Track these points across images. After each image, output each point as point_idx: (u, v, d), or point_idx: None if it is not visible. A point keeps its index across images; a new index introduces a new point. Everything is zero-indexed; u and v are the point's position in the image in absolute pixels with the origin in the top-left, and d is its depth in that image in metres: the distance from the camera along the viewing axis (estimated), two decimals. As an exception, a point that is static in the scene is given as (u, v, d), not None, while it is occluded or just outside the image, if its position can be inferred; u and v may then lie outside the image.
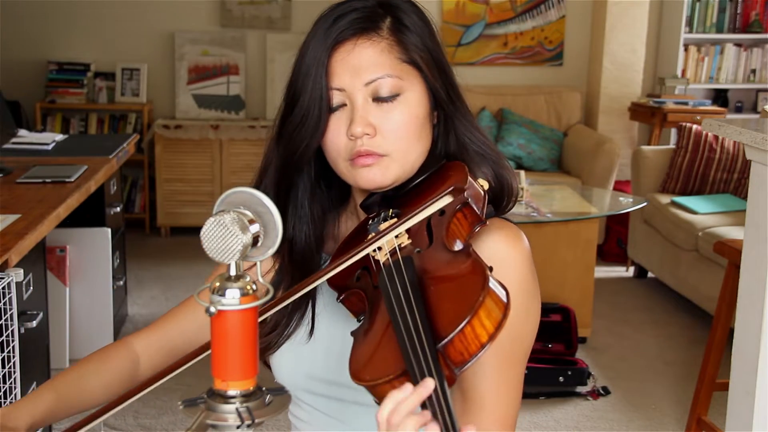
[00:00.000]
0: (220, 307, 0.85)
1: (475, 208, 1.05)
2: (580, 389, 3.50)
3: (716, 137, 4.68)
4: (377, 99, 1.11)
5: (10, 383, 2.15)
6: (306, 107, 1.11)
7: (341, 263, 1.00)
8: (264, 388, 0.89)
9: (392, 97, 1.11)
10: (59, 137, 3.88)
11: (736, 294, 2.47)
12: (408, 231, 1.05)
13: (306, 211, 1.19)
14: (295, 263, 1.19)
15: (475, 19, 5.80)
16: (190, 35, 5.74)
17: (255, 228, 0.87)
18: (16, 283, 2.16)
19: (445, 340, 0.88)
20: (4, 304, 2.09)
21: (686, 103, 5.35)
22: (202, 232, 0.86)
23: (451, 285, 0.96)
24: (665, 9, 5.83)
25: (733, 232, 3.93)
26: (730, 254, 2.71)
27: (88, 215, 3.51)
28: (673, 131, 5.52)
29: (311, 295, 1.19)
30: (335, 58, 1.10)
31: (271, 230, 0.88)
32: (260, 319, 0.99)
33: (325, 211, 1.23)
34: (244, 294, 0.86)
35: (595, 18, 5.79)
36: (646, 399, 3.49)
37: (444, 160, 1.16)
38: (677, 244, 4.39)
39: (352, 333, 1.01)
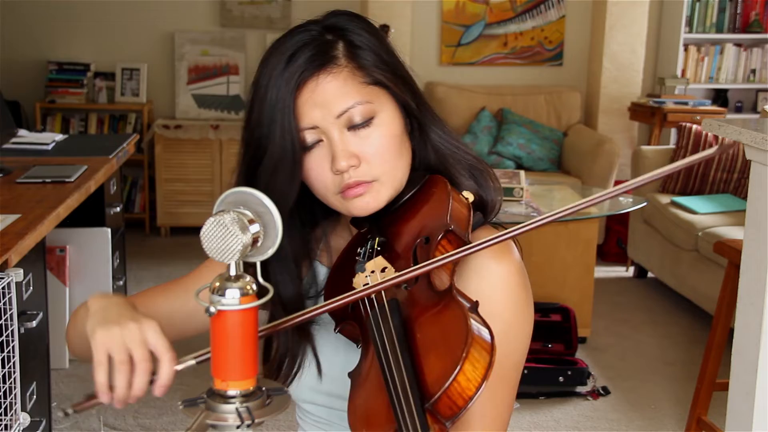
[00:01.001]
0: (220, 307, 0.85)
1: (459, 235, 1.04)
2: (580, 389, 3.50)
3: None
4: (352, 127, 1.09)
5: (10, 383, 2.15)
6: (278, 154, 1.09)
7: (325, 307, 1.01)
8: (264, 388, 0.89)
9: (367, 122, 1.10)
10: (59, 137, 3.88)
11: (736, 294, 2.47)
12: (395, 264, 1.05)
13: (291, 265, 1.16)
14: (283, 272, 1.16)
15: (475, 19, 5.80)
16: (190, 35, 5.74)
17: (255, 228, 0.87)
18: (16, 283, 2.16)
19: (434, 398, 0.90)
20: (4, 304, 2.09)
21: (686, 103, 5.35)
22: (202, 232, 0.86)
23: (435, 334, 0.96)
24: (665, 9, 5.83)
25: (733, 232, 3.93)
26: (730, 254, 2.70)
27: (88, 215, 3.51)
28: (673, 131, 5.53)
29: (308, 337, 1.18)
30: (300, 99, 1.08)
31: (271, 230, 0.88)
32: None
33: (314, 226, 1.22)
34: (244, 294, 0.86)
35: (595, 18, 5.79)
36: (646, 399, 3.49)
37: (426, 175, 1.16)
38: (677, 244, 4.39)
39: (349, 374, 1.03)
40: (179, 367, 0.94)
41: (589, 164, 5.18)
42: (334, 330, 1.09)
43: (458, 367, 0.89)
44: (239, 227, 0.85)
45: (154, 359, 0.94)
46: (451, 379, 0.89)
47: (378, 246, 1.10)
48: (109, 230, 3.63)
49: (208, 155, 5.57)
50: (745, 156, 2.43)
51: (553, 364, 3.52)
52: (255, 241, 0.87)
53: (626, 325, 4.27)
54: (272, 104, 1.09)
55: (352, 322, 1.06)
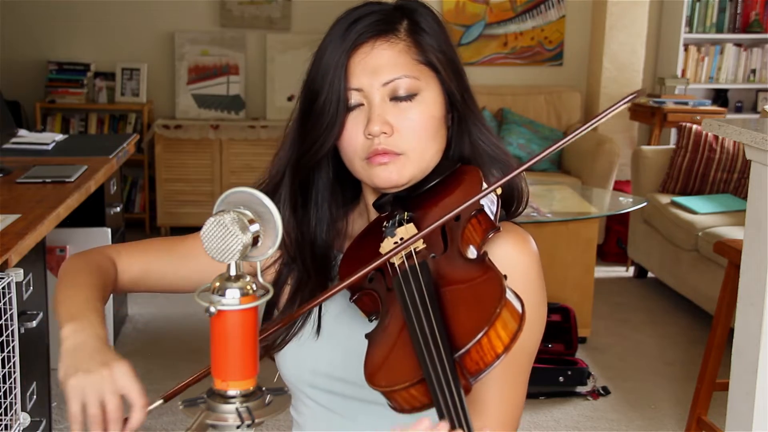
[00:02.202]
0: (220, 307, 0.85)
1: (490, 214, 1.06)
2: (580, 389, 3.50)
3: (716, 137, 4.68)
4: (395, 98, 1.12)
5: (10, 383, 2.15)
6: (323, 106, 1.12)
7: (359, 273, 1.00)
8: (264, 388, 0.89)
9: (409, 97, 1.13)
10: (59, 137, 3.88)
11: (736, 294, 2.47)
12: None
13: (325, 211, 1.21)
14: (315, 261, 1.20)
15: (475, 19, 5.80)
16: (190, 35, 5.74)
17: (255, 228, 0.87)
18: (16, 283, 2.16)
19: (462, 350, 0.89)
20: (4, 304, 2.09)
21: (686, 103, 5.35)
22: (202, 232, 0.86)
23: (467, 293, 0.96)
24: (665, 9, 5.83)
25: (733, 232, 3.93)
26: (730, 254, 2.70)
27: (88, 215, 3.51)
28: (673, 131, 5.52)
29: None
30: (354, 59, 1.12)
31: (271, 230, 0.88)
32: (272, 327, 0.99)
33: (340, 208, 1.24)
34: (244, 294, 0.86)
35: (595, 18, 5.79)
36: (646, 399, 3.49)
37: (459, 164, 1.17)
38: (677, 244, 4.39)
39: (367, 335, 1.01)
40: (149, 408, 0.97)
41: (589, 164, 5.18)
42: (350, 299, 1.08)
43: (490, 323, 0.88)
44: (239, 227, 0.85)
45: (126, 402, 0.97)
46: (482, 332, 0.88)
47: (407, 220, 1.10)
48: (109, 230, 3.63)
49: (208, 155, 5.57)
50: (745, 156, 2.43)
51: (553, 364, 3.52)
52: (255, 241, 0.87)
53: (626, 325, 4.27)
54: (328, 61, 1.12)
55: (369, 291, 1.06)
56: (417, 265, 1.00)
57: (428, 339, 0.90)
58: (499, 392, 1.08)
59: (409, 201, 1.15)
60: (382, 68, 1.11)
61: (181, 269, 1.25)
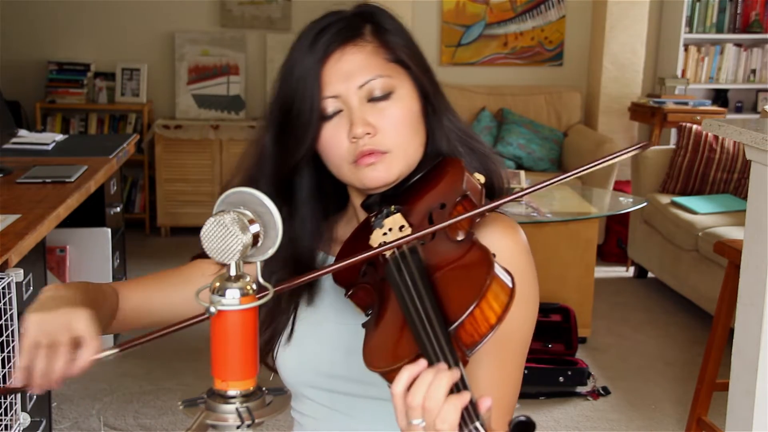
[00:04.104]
0: (220, 307, 0.85)
1: (474, 201, 1.07)
2: (580, 389, 3.50)
3: (716, 137, 4.68)
4: (372, 99, 1.14)
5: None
6: (297, 115, 1.14)
7: (347, 262, 1.01)
8: (264, 388, 0.89)
9: (386, 96, 1.15)
10: (59, 137, 3.88)
11: (736, 294, 2.47)
12: (411, 224, 1.08)
13: (308, 213, 1.22)
14: (300, 265, 1.20)
15: (475, 19, 5.80)
16: (190, 35, 5.74)
17: (255, 228, 0.87)
18: (16, 283, 2.16)
19: (456, 323, 0.90)
20: (4, 304, 2.09)
21: (686, 103, 5.35)
22: (202, 232, 0.86)
23: (457, 271, 0.98)
24: (665, 9, 5.83)
25: (733, 232, 3.93)
26: (730, 254, 2.70)
27: (88, 215, 3.51)
28: (673, 131, 5.52)
29: (294, 298, 1.22)
30: (326, 69, 1.14)
31: (271, 230, 0.88)
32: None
33: (326, 215, 1.25)
34: (244, 294, 0.86)
35: (595, 18, 5.79)
36: (646, 399, 3.49)
37: (440, 157, 1.19)
38: (677, 244, 4.39)
39: (364, 324, 1.03)
40: (101, 355, 0.98)
41: (589, 164, 5.17)
42: (345, 295, 1.09)
43: (481, 294, 0.90)
44: (239, 227, 0.85)
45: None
46: (474, 304, 0.90)
47: (394, 211, 1.12)
48: (109, 230, 3.63)
49: (208, 155, 5.57)
50: (745, 156, 2.43)
51: (553, 364, 3.52)
52: (255, 241, 0.87)
53: (626, 325, 4.27)
54: (299, 74, 1.14)
55: (363, 285, 1.07)
56: (407, 250, 1.01)
57: (422, 316, 0.91)
58: (490, 374, 1.08)
59: (395, 199, 1.16)
60: (355, 72, 1.14)
61: (184, 293, 1.24)
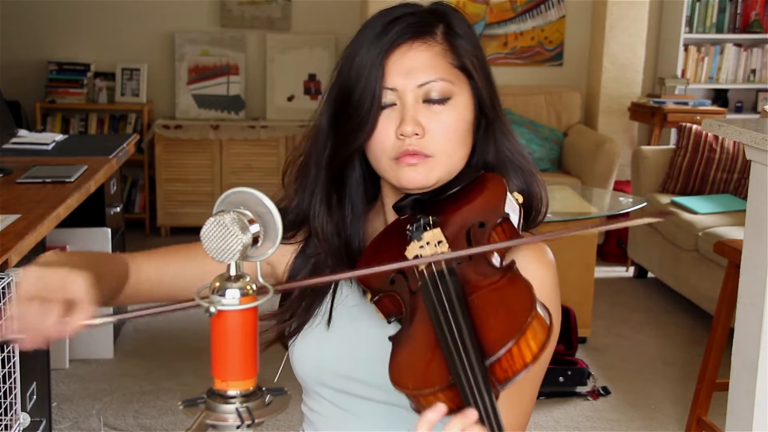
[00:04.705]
0: (220, 307, 0.85)
1: (514, 224, 1.07)
2: (580, 389, 3.50)
3: (716, 137, 4.68)
4: (428, 101, 1.13)
5: (10, 383, 2.15)
6: (358, 103, 1.13)
7: (383, 268, 1.00)
8: (264, 388, 0.89)
9: (443, 100, 1.14)
10: (59, 137, 3.88)
11: (736, 294, 2.47)
12: (447, 238, 1.06)
13: (359, 207, 1.21)
14: (351, 256, 1.19)
15: (475, 19, 5.80)
16: (190, 35, 5.74)
17: (255, 228, 0.87)
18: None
19: (493, 357, 0.89)
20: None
21: (686, 103, 5.35)
22: (202, 232, 0.86)
23: (495, 300, 0.96)
24: (665, 9, 5.83)
25: (733, 232, 3.93)
26: (730, 254, 2.70)
27: (88, 215, 3.51)
28: (673, 131, 5.52)
29: (332, 288, 1.21)
30: (390, 59, 1.13)
31: (271, 230, 0.88)
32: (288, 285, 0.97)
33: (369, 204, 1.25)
34: (244, 294, 0.86)
35: (595, 18, 5.79)
36: (646, 399, 3.49)
37: (482, 171, 1.17)
38: (677, 244, 4.39)
39: (391, 338, 1.01)
40: (94, 321, 0.96)
41: (590, 164, 5.18)
42: (371, 300, 1.08)
43: (522, 331, 0.88)
44: (239, 227, 0.85)
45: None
46: (513, 340, 0.88)
47: (432, 224, 1.10)
48: (109, 230, 3.63)
49: (208, 155, 5.57)
50: (745, 156, 2.43)
51: (553, 364, 3.52)
52: (255, 241, 0.87)
53: (626, 325, 4.27)
54: (363, 59, 1.13)
55: (391, 294, 1.05)
56: (445, 270, 0.99)
57: (458, 345, 0.90)
58: (509, 402, 1.07)
59: (430, 205, 1.15)
60: (417, 70, 1.12)
61: (198, 268, 1.23)
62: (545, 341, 0.90)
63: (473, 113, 1.17)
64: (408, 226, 1.10)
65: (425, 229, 1.08)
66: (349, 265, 1.18)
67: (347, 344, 1.18)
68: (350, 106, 1.14)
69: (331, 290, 1.21)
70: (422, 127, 1.12)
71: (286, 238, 1.22)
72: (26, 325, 0.94)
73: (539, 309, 0.92)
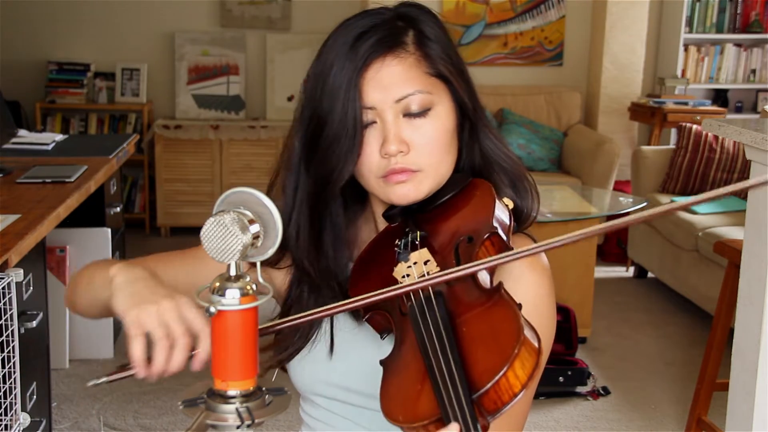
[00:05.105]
0: (220, 307, 0.85)
1: (503, 236, 1.04)
2: (580, 389, 3.50)
3: (716, 137, 4.68)
4: (408, 114, 1.10)
5: (10, 383, 2.15)
6: (338, 130, 1.09)
7: (372, 298, 0.99)
8: (264, 388, 0.89)
9: (423, 113, 1.11)
10: (59, 137, 3.88)
11: (736, 294, 2.47)
12: (436, 258, 1.05)
13: (340, 231, 1.18)
14: (332, 278, 1.17)
15: (475, 19, 5.80)
16: (190, 35, 5.74)
17: (255, 228, 0.87)
18: (16, 283, 2.16)
19: (481, 391, 0.88)
20: (4, 304, 2.09)
21: (686, 103, 5.35)
22: (202, 232, 0.86)
23: (483, 329, 0.95)
24: (665, 9, 5.83)
25: (733, 232, 3.93)
26: (730, 254, 2.70)
27: (88, 215, 3.51)
28: (673, 131, 5.52)
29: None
30: (365, 78, 1.09)
31: (271, 230, 0.88)
32: (274, 328, 0.99)
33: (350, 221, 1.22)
34: (243, 294, 0.86)
35: (595, 18, 5.79)
36: (646, 399, 3.49)
37: (470, 178, 1.16)
38: (677, 244, 4.39)
39: (382, 362, 1.00)
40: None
41: (589, 164, 5.18)
42: (362, 318, 1.07)
43: (509, 363, 0.88)
44: (239, 227, 0.85)
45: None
46: (501, 373, 0.87)
47: (419, 238, 1.09)
48: (109, 230, 3.63)
49: (208, 155, 5.57)
50: (745, 156, 2.43)
51: (553, 364, 3.52)
52: (255, 241, 0.87)
53: (626, 325, 4.27)
54: (336, 80, 1.09)
55: (382, 312, 1.05)
56: (432, 293, 0.98)
57: (446, 379, 0.89)
58: (499, 421, 1.06)
59: (419, 214, 1.13)
60: (393, 85, 1.09)
61: (194, 274, 1.21)
62: (534, 368, 0.89)
63: (455, 119, 1.14)
64: (396, 242, 1.09)
65: (413, 248, 1.07)
66: (339, 289, 1.16)
67: (346, 359, 1.17)
68: (330, 135, 1.10)
69: (329, 318, 1.18)
70: (406, 144, 1.09)
71: (270, 263, 1.18)
72: (156, 366, 0.93)
73: (527, 333, 0.91)
